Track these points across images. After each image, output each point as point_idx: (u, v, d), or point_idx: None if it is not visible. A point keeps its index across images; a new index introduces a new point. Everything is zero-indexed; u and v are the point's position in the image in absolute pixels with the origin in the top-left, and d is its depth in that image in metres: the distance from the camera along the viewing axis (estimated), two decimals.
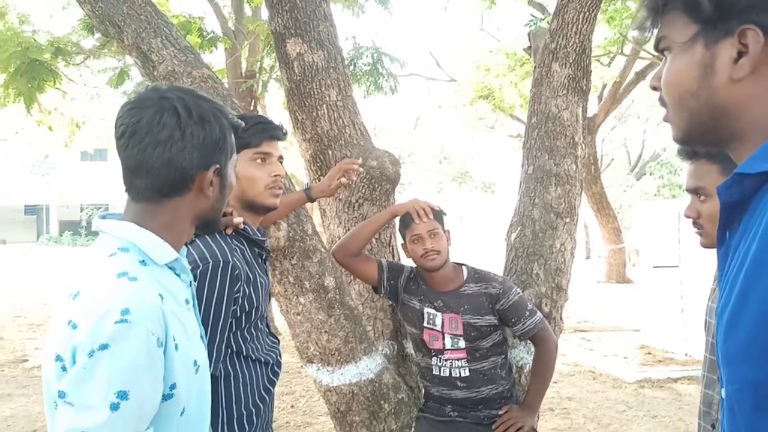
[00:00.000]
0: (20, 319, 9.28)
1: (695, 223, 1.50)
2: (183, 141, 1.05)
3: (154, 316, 0.97)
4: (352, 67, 6.16)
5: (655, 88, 0.81)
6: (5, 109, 7.26)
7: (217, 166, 1.10)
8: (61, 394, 0.93)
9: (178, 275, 1.12)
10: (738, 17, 0.70)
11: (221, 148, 1.10)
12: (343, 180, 2.09)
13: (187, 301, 1.13)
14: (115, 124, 1.07)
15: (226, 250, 1.51)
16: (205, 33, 6.44)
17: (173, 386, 1.01)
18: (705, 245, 1.47)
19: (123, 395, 0.92)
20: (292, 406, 4.96)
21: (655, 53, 0.81)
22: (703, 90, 0.73)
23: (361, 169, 2.20)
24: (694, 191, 1.48)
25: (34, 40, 6.02)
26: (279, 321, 7.04)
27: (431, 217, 2.17)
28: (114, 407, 0.91)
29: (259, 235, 1.69)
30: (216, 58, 8.29)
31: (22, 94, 5.79)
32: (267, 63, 6.92)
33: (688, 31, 0.74)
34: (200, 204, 1.11)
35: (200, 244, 1.49)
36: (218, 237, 1.53)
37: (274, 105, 9.89)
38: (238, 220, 1.61)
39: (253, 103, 7.41)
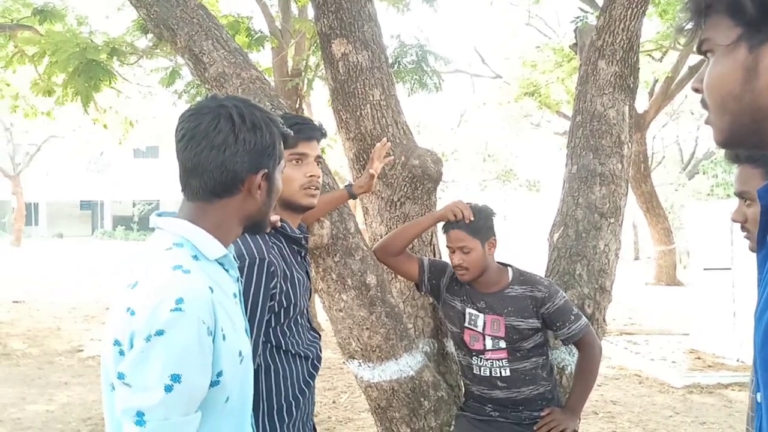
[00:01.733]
0: (76, 310, 9.68)
1: (743, 227, 1.47)
2: (236, 145, 1.13)
3: (205, 307, 1.04)
4: (396, 65, 6.16)
5: (697, 90, 0.80)
6: (63, 108, 7.57)
7: (266, 170, 1.17)
8: (120, 376, 1.00)
9: (226, 270, 1.18)
10: None
11: (270, 154, 1.18)
12: (377, 165, 2.12)
13: (234, 295, 1.19)
14: (176, 129, 1.15)
15: (263, 247, 1.55)
16: (253, 32, 6.57)
17: (220, 374, 1.07)
18: (753, 249, 1.44)
19: (176, 378, 0.98)
20: (333, 402, 5.03)
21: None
22: (745, 93, 0.72)
23: (389, 144, 2.24)
24: (740, 195, 1.46)
25: (91, 41, 6.25)
26: (322, 317, 7.13)
27: (466, 221, 2.15)
28: (168, 389, 0.98)
29: (297, 232, 1.73)
30: (263, 57, 8.45)
31: (80, 93, 6.02)
32: (312, 61, 7.00)
33: (732, 34, 0.73)
34: (248, 205, 1.18)
35: (238, 242, 1.53)
36: (256, 235, 1.57)
37: (320, 102, 10.01)
38: (275, 218, 1.65)
39: (298, 101, 7.52)
